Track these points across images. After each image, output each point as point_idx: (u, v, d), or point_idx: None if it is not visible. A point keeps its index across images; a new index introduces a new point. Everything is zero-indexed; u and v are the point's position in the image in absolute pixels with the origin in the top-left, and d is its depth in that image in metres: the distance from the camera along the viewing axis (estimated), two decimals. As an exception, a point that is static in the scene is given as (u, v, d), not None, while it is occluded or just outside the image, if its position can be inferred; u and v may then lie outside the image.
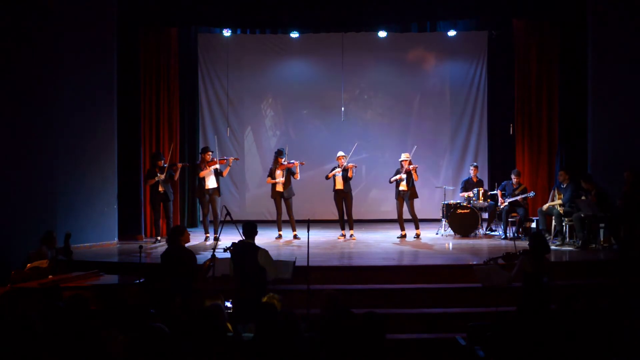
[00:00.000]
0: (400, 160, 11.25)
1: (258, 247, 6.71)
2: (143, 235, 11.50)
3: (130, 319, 4.88)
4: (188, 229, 12.24)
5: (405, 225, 11.40)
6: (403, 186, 11.11)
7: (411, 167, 11.00)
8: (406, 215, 11.33)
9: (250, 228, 6.81)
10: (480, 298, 7.72)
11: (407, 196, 11.10)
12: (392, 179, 11.29)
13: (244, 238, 6.83)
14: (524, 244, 8.88)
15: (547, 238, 10.47)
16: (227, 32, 13.07)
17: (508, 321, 5.48)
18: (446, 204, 11.76)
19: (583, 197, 10.05)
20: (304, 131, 14.24)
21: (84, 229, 10.36)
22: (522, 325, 5.10)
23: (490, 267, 7.09)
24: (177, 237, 6.92)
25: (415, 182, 11.12)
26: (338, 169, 11.11)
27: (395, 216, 11.67)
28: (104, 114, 10.87)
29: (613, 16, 10.66)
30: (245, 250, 6.71)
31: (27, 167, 9.63)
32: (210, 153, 11.07)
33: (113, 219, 10.99)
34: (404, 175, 11.07)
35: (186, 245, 7.01)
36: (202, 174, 10.93)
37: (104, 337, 4.54)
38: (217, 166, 11.00)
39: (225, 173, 11.25)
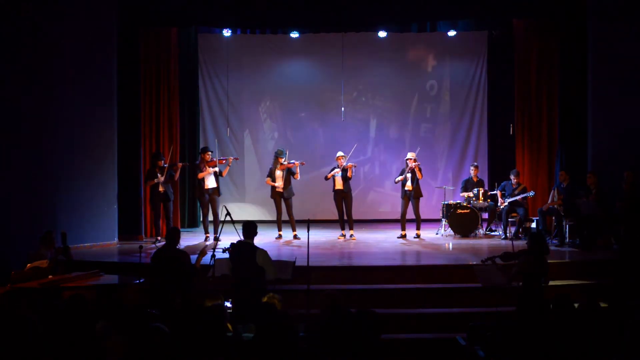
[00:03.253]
0: (405, 159, 11.28)
1: (257, 247, 6.71)
2: (143, 235, 11.49)
3: (130, 319, 4.88)
4: (188, 229, 12.33)
5: (407, 225, 11.39)
6: (408, 186, 11.13)
7: (414, 165, 11.01)
8: (409, 215, 11.35)
9: (250, 228, 6.80)
10: (480, 298, 7.73)
11: (412, 195, 11.12)
12: (397, 179, 11.31)
13: (243, 238, 6.83)
14: (523, 244, 8.87)
15: (547, 238, 10.52)
16: (227, 32, 13.05)
17: (508, 321, 5.48)
18: (446, 204, 11.75)
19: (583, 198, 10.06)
20: (304, 131, 14.23)
21: (84, 229, 10.36)
22: (523, 325, 5.10)
23: (490, 267, 7.10)
24: (173, 240, 6.94)
25: (419, 181, 11.15)
26: (337, 169, 11.12)
27: (395, 216, 11.67)
28: (104, 114, 10.86)
29: (613, 16, 10.67)
30: (244, 250, 6.70)
31: (27, 167, 9.62)
32: (209, 153, 11.06)
33: (113, 219, 10.99)
34: (408, 175, 11.09)
35: (180, 246, 7.03)
36: (200, 175, 10.92)
37: (99, 332, 4.53)
38: (217, 168, 10.99)
39: (224, 173, 11.24)
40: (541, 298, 6.40)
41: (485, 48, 13.80)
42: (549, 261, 7.02)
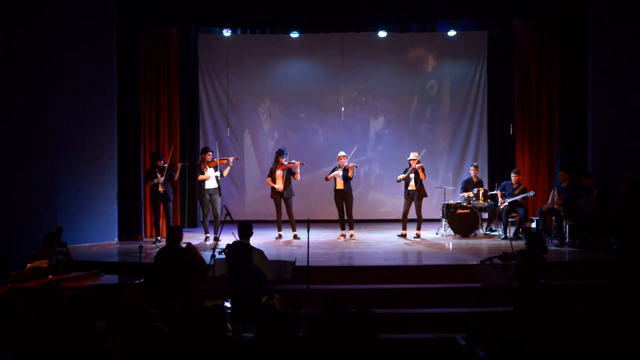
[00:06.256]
0: (409, 159, 11.28)
1: (252, 247, 6.70)
2: (143, 235, 11.49)
3: (130, 319, 4.88)
4: (188, 229, 12.30)
5: (408, 225, 11.40)
6: (412, 186, 11.15)
7: (417, 165, 11.02)
8: (411, 215, 11.34)
9: (245, 228, 6.80)
10: (480, 298, 7.73)
11: (416, 195, 11.13)
12: (399, 178, 11.32)
13: (238, 238, 6.83)
14: (522, 243, 8.86)
15: (547, 238, 10.52)
16: (227, 32, 13.06)
17: (508, 321, 5.47)
18: (446, 204, 11.76)
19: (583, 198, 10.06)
20: (304, 131, 14.24)
21: (84, 229, 10.36)
22: (521, 325, 5.09)
23: (489, 267, 7.09)
24: (177, 239, 6.93)
25: (423, 182, 11.15)
26: (338, 170, 11.12)
27: (395, 216, 11.69)
28: (104, 114, 10.87)
29: (613, 16, 10.67)
30: (239, 250, 6.70)
31: (27, 167, 9.63)
32: (210, 153, 11.05)
33: (113, 219, 10.99)
34: (411, 175, 11.10)
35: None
36: (201, 177, 10.89)
37: (100, 332, 4.53)
38: (217, 173, 10.98)
39: (225, 173, 11.24)
40: (539, 298, 6.38)
41: (485, 48, 13.80)
42: (547, 261, 7.02)
